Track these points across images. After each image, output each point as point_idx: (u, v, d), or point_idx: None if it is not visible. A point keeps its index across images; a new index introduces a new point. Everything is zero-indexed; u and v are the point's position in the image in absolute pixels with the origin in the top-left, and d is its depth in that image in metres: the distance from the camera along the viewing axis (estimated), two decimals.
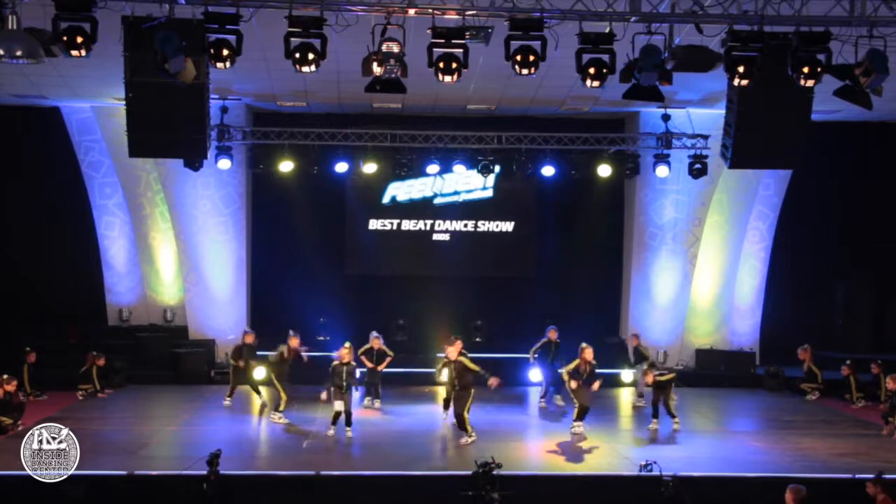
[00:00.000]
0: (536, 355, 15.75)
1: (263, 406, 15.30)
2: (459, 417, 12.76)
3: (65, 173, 18.43)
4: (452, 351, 12.96)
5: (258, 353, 15.62)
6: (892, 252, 19.36)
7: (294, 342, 14.67)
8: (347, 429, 13.10)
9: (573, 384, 13.52)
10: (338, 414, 13.05)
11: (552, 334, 15.72)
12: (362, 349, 15.21)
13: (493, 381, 12.76)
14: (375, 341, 15.38)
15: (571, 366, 13.62)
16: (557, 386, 15.70)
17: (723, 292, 19.48)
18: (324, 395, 13.17)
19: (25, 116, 18.06)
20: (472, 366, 12.78)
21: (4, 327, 17.65)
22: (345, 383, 12.99)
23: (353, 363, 13.42)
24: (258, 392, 15.66)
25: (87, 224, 18.73)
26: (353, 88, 13.46)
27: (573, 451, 12.64)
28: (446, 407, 13.87)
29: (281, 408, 14.20)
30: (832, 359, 17.42)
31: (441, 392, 15.51)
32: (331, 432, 13.11)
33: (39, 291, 18.51)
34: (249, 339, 15.57)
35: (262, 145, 17.98)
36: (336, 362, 13.17)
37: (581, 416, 13.52)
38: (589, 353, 13.57)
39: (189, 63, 9.82)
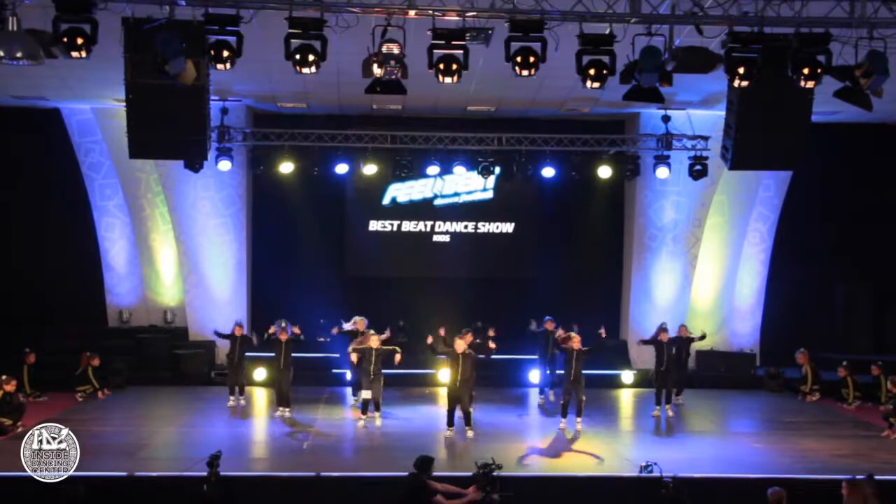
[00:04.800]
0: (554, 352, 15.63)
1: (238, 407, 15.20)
2: (469, 413, 13.01)
3: (65, 175, 18.42)
4: (462, 344, 13.01)
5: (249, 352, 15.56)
6: (893, 253, 19.36)
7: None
8: (377, 414, 13.55)
9: None
10: (366, 402, 13.19)
11: (548, 325, 15.87)
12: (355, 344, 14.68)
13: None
14: (360, 323, 14.95)
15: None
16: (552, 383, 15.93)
17: (723, 294, 19.47)
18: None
19: (26, 117, 18.03)
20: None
21: (4, 328, 17.61)
22: (373, 368, 13.18)
23: (383, 348, 13.60)
24: (241, 392, 15.41)
25: (87, 225, 18.71)
26: (354, 90, 13.44)
27: (573, 452, 12.67)
28: (453, 410, 13.34)
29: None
30: (832, 360, 17.40)
31: (440, 391, 15.55)
32: (361, 422, 13.61)
33: (39, 292, 18.48)
34: (238, 332, 15.36)
35: (262, 147, 17.97)
36: (356, 337, 13.63)
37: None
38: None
39: (189, 64, 9.81)
